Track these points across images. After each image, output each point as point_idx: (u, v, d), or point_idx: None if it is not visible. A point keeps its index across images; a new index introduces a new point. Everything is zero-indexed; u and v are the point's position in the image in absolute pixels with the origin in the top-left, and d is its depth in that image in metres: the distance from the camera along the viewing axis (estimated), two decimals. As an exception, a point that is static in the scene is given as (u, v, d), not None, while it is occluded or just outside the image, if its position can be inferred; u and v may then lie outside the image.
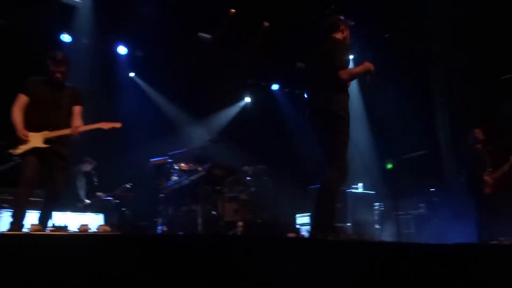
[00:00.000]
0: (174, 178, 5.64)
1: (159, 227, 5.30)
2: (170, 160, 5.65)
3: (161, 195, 5.51)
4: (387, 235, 6.75)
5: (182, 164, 5.57)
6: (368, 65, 3.16)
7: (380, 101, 8.03)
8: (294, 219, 7.50)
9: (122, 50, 7.62)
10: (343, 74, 3.05)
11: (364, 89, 8.95)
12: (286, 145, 8.78)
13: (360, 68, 3.17)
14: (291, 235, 5.49)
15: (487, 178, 5.24)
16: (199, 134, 7.35)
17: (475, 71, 7.02)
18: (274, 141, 8.69)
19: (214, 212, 5.49)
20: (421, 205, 6.99)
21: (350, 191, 7.38)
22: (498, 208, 5.30)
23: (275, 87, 9.32)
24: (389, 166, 7.01)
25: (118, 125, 3.73)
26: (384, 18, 7.24)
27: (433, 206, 6.80)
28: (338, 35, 3.34)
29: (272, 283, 1.99)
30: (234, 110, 9.18)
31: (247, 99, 9.28)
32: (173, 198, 5.56)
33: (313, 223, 3.06)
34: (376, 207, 7.43)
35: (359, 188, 7.48)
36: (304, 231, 6.97)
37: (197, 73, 8.00)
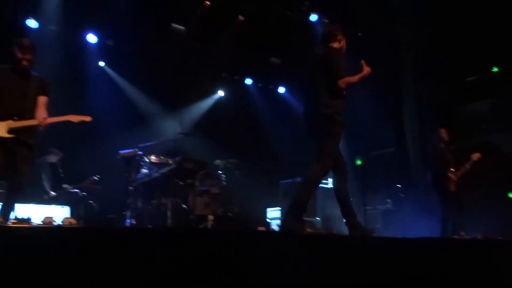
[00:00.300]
0: (144, 171, 5.54)
1: (128, 220, 5.21)
2: (140, 153, 5.55)
3: (130, 188, 5.41)
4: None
5: (153, 157, 5.48)
6: (365, 72, 3.38)
7: (351, 99, 8.16)
8: (264, 213, 7.55)
9: (91, 38, 7.39)
10: (341, 84, 3.26)
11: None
12: (258, 139, 8.81)
13: (356, 78, 3.35)
14: (261, 228, 5.52)
15: (451, 176, 5.44)
16: (170, 127, 7.25)
17: (442, 73, 7.26)
18: (246, 135, 8.69)
19: (184, 206, 5.45)
20: (388, 200, 7.19)
21: (320, 186, 7.49)
22: (460, 205, 5.51)
23: (248, 81, 9.30)
24: (359, 162, 7.16)
25: (88, 118, 3.64)
26: (357, 18, 7.36)
27: (400, 201, 7.00)
28: (335, 44, 3.49)
29: (242, 275, 2.00)
30: (207, 103, 9.10)
31: (221, 93, 9.21)
32: (143, 191, 5.47)
33: (287, 212, 3.20)
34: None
35: (329, 183, 7.60)
36: (275, 225, 7.03)
37: (170, 64, 7.88)
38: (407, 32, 7.54)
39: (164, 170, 5.00)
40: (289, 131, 8.97)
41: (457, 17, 6.78)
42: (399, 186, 7.26)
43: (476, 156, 5.57)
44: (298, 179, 7.12)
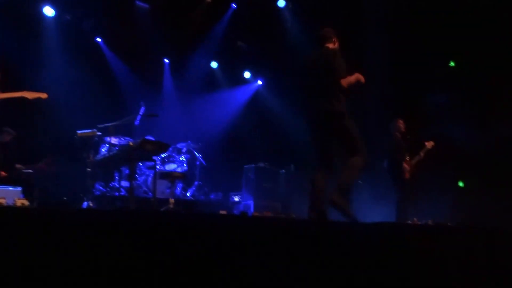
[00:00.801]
0: (103, 152, 5.38)
1: (85, 203, 5.06)
2: (99, 133, 5.37)
3: (88, 169, 5.24)
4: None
5: (113, 138, 5.32)
6: (359, 76, 3.56)
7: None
8: (228, 198, 7.57)
9: (49, 11, 6.99)
10: (344, 83, 3.47)
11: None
12: (223, 124, 8.75)
13: (354, 78, 3.54)
14: (223, 212, 5.53)
15: (405, 164, 5.65)
16: (132, 107, 7.05)
17: (404, 65, 7.47)
18: (211, 119, 8.61)
19: (145, 189, 5.35)
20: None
21: (283, 171, 7.59)
22: (414, 192, 5.75)
23: (214, 64, 9.17)
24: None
25: (44, 95, 3.46)
26: (323, 6, 7.39)
27: (357, 188, 7.21)
28: (330, 45, 3.70)
29: (202, 258, 2.00)
30: (171, 83, 8.89)
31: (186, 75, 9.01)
32: (101, 173, 5.32)
33: (337, 186, 3.43)
34: (306, 187, 7.71)
35: (292, 169, 7.71)
36: (236, 209, 7.06)
37: (133, 42, 7.62)
38: (371, 22, 7.67)
39: (124, 152, 4.87)
40: (253, 116, 8.98)
41: (416, 12, 6.99)
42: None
43: (429, 144, 5.82)
44: (261, 164, 7.18)
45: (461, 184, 7.49)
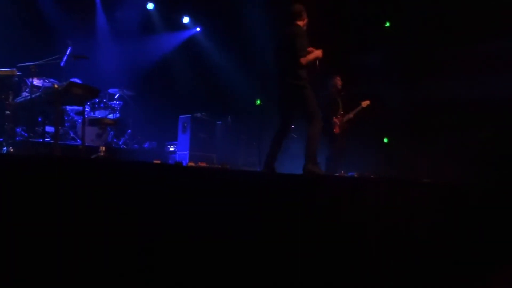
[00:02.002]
0: (25, 94, 4.94)
1: (4, 148, 4.68)
2: (19, 73, 4.88)
3: (7, 112, 4.79)
4: (250, 165, 7.22)
5: (35, 79, 4.87)
6: (318, 53, 4.03)
7: (259, 38, 8.12)
8: (163, 147, 7.44)
9: None
10: (303, 61, 3.92)
11: (244, 24, 8.93)
12: (157, 71, 8.38)
13: (313, 55, 4.00)
14: (156, 161, 5.44)
15: (335, 120, 5.90)
16: (58, 47, 6.45)
17: (338, 22, 7.58)
18: (146, 65, 8.19)
19: (72, 135, 5.06)
20: (282, 140, 7.59)
21: (220, 122, 7.57)
22: (342, 146, 6.06)
23: (150, 6, 8.57)
24: (258, 102, 7.33)
25: None
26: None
27: (292, 141, 7.44)
28: (301, 23, 4.09)
29: (133, 208, 1.96)
30: (104, 23, 8.21)
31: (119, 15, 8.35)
32: (23, 117, 4.90)
33: (307, 161, 3.90)
34: (242, 139, 7.81)
35: (229, 120, 7.71)
36: (171, 159, 6.99)
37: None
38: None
39: (48, 95, 4.50)
40: (192, 65, 8.70)
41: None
42: (293, 126, 7.68)
43: (365, 103, 6.10)
44: (198, 114, 7.07)
45: (385, 140, 8.02)
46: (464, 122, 6.86)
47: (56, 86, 4.52)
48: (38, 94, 4.61)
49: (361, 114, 6.16)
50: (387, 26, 8.00)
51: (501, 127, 6.50)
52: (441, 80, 7.40)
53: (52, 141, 4.63)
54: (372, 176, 5.80)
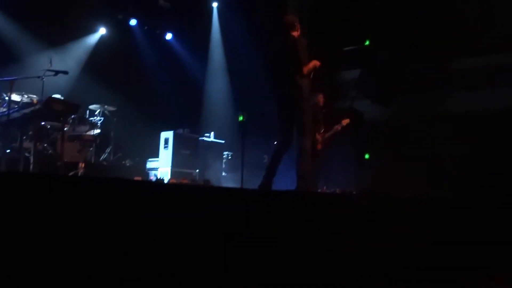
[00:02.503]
0: (2, 109, 4.83)
1: (-21, 165, 4.55)
2: (-4, 88, 4.80)
3: (-16, 128, 4.68)
4: (232, 181, 7.19)
5: (14, 94, 4.79)
6: (316, 62, 4.06)
7: (240, 55, 8.23)
8: (144, 164, 7.35)
9: None
10: (305, 71, 3.94)
11: (226, 40, 9.02)
12: (140, 86, 8.34)
13: (312, 65, 4.04)
14: (137, 178, 5.37)
15: (318, 136, 5.97)
16: (39, 62, 6.37)
17: (321, 40, 7.74)
18: (128, 81, 8.14)
19: (51, 151, 4.96)
20: (265, 156, 7.61)
21: (202, 139, 7.54)
22: (322, 163, 6.11)
23: (133, 22, 8.58)
24: (240, 118, 7.35)
25: None
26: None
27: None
28: (295, 33, 4.09)
29: (112, 227, 1.92)
30: (86, 41, 8.17)
31: (102, 31, 8.34)
32: (0, 132, 4.78)
33: (299, 178, 3.87)
34: (224, 156, 7.79)
35: (211, 136, 7.70)
36: (153, 175, 6.91)
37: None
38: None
39: (27, 110, 4.42)
40: (173, 80, 8.69)
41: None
42: (276, 143, 7.71)
43: (345, 121, 6.19)
44: (180, 131, 7.04)
45: (367, 156, 8.13)
46: (442, 137, 7.04)
47: (35, 101, 4.45)
48: (16, 109, 4.53)
49: (342, 131, 6.25)
50: (367, 45, 8.21)
51: (477, 141, 6.68)
52: (419, 96, 7.60)
53: (31, 157, 4.52)
54: (354, 192, 5.85)
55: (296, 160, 3.94)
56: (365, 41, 8.16)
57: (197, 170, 7.15)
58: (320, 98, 6.14)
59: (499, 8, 6.77)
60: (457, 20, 6.97)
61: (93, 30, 8.22)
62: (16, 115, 4.50)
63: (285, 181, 4.38)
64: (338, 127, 6.14)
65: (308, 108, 3.97)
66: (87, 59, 7.93)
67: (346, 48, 8.02)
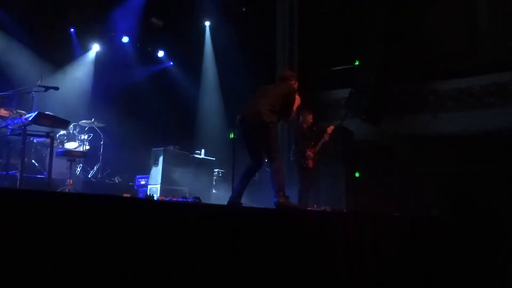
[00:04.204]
0: (-10, 125, 4.78)
1: (-36, 181, 4.47)
2: (-15, 103, 4.76)
3: (-30, 143, 4.62)
4: (222, 197, 7.15)
5: (2, 109, 4.75)
6: (298, 101, 4.31)
7: (232, 72, 8.30)
8: (133, 180, 7.28)
9: None
10: (292, 115, 4.34)
11: (218, 59, 9.12)
12: (131, 103, 8.33)
13: (295, 109, 4.35)
14: (126, 195, 5.31)
15: (309, 153, 5.99)
16: (29, 77, 6.34)
17: (311, 61, 7.88)
18: (118, 98, 8.14)
19: (39, 168, 4.90)
20: (256, 173, 7.59)
21: (193, 155, 7.52)
22: (314, 180, 6.13)
23: (125, 39, 8.63)
24: (231, 135, 7.36)
25: None
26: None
27: (263, 173, 7.46)
28: (295, 84, 4.45)
29: (100, 243, 1.90)
30: (82, 60, 8.19)
31: (96, 47, 8.37)
32: (-13, 148, 4.73)
33: (277, 196, 3.95)
34: (215, 173, 7.76)
35: (201, 153, 7.68)
36: (142, 193, 6.84)
37: (34, 10, 6.83)
38: (283, 20, 7.93)
39: (15, 126, 4.38)
40: (164, 97, 8.71)
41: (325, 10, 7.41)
42: (266, 160, 7.71)
43: (330, 128, 6.19)
44: (171, 148, 7.02)
45: (357, 174, 8.17)
46: (431, 156, 7.12)
47: (23, 116, 4.42)
48: (3, 124, 4.49)
49: (329, 142, 6.26)
50: (357, 65, 8.36)
51: (465, 160, 6.78)
52: (408, 116, 7.70)
53: (18, 174, 4.46)
54: (344, 210, 5.85)
55: (270, 178, 4.05)
56: (354, 61, 8.33)
57: (187, 188, 7.09)
58: (307, 116, 6.19)
59: (484, 30, 6.98)
60: (445, 42, 7.16)
61: (86, 47, 8.24)
62: (3, 130, 4.45)
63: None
64: (325, 136, 6.14)
65: (274, 133, 4.10)
66: (80, 76, 7.94)
67: (335, 68, 8.18)
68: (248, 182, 4.23)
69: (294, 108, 4.34)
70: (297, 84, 4.53)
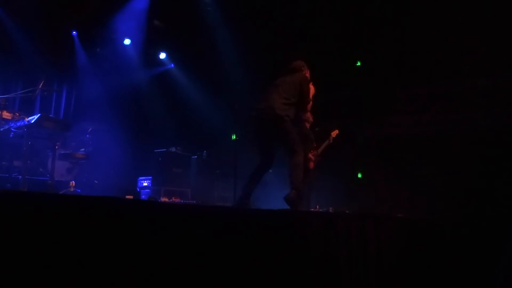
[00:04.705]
0: (-7, 127, 4.80)
1: (-32, 183, 4.49)
2: (-12, 106, 4.77)
3: (-27, 146, 4.64)
4: (224, 199, 7.14)
5: (5, 112, 4.76)
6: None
7: (234, 78, 8.30)
8: (136, 182, 7.29)
9: None
10: (308, 106, 4.31)
11: (220, 60, 9.13)
12: (133, 105, 8.35)
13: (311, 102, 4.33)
14: (129, 197, 5.32)
15: (310, 155, 5.98)
16: (32, 80, 6.36)
17: (311, 60, 7.87)
18: (122, 100, 8.15)
19: (41, 170, 4.91)
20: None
21: (195, 157, 7.53)
22: (316, 182, 6.11)
23: (127, 41, 8.64)
24: (233, 137, 7.36)
25: None
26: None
27: (267, 176, 7.45)
28: (307, 73, 4.37)
29: (104, 245, 1.90)
30: (80, 60, 8.19)
31: (98, 50, 8.37)
32: (-11, 151, 4.74)
33: (293, 188, 3.83)
34: (217, 174, 7.77)
35: (203, 155, 7.68)
36: (144, 194, 6.84)
37: (36, 13, 6.85)
38: (285, 20, 7.91)
39: (18, 128, 4.39)
40: (166, 99, 8.71)
41: (327, 15, 7.41)
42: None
43: (334, 132, 6.19)
44: (173, 149, 7.03)
45: (359, 175, 8.15)
46: (434, 156, 7.09)
47: (26, 119, 4.43)
48: (6, 127, 4.50)
49: (333, 144, 6.25)
50: (358, 66, 8.35)
51: (469, 161, 6.74)
52: (411, 116, 7.68)
53: (20, 176, 4.47)
54: (347, 211, 5.83)
55: (288, 173, 3.92)
56: (356, 62, 8.32)
57: (190, 189, 7.10)
58: (310, 117, 6.18)
59: (486, 31, 6.95)
60: (448, 42, 7.13)
61: (88, 49, 8.26)
62: (7, 133, 4.47)
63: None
64: (330, 139, 6.13)
65: (292, 127, 4.01)
66: (82, 78, 7.96)
67: (336, 68, 8.15)
68: (257, 184, 4.09)
69: (311, 96, 4.24)
70: (309, 73, 4.43)
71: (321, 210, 5.99)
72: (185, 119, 8.56)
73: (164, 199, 6.33)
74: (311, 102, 4.27)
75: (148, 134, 7.97)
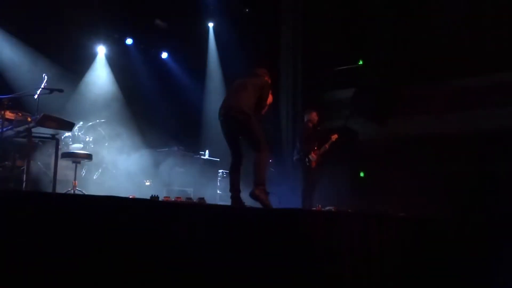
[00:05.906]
0: (-4, 127, 4.80)
1: (-29, 182, 4.50)
2: (-9, 106, 4.77)
3: (-24, 145, 4.65)
4: (227, 198, 7.14)
5: (7, 112, 4.77)
6: (270, 99, 4.38)
7: (236, 72, 8.31)
8: (138, 181, 7.28)
9: None
10: (265, 110, 4.36)
11: (222, 59, 9.15)
12: (135, 104, 8.36)
13: (268, 104, 4.39)
14: (131, 196, 5.32)
15: (313, 155, 5.98)
16: (34, 80, 6.37)
17: (315, 60, 7.86)
18: (123, 99, 8.17)
19: (44, 169, 4.92)
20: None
21: (197, 156, 7.53)
22: (316, 180, 6.12)
23: (129, 41, 8.65)
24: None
25: None
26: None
27: (270, 175, 7.45)
28: (268, 79, 4.50)
29: (106, 243, 1.91)
30: (83, 59, 8.21)
31: (101, 49, 8.39)
32: (-7, 150, 4.75)
33: (256, 186, 3.88)
34: (219, 174, 7.77)
35: (206, 154, 7.69)
36: (147, 193, 6.85)
37: (40, 8, 6.88)
38: (288, 20, 7.91)
39: (21, 128, 4.40)
40: (168, 98, 8.72)
41: (330, 16, 7.41)
42: (270, 161, 7.71)
43: (334, 136, 6.23)
44: (175, 148, 7.03)
45: (362, 174, 8.15)
46: (436, 156, 7.08)
47: (29, 119, 4.44)
48: (9, 127, 4.51)
49: (333, 147, 6.28)
50: (360, 65, 8.34)
51: (471, 160, 6.73)
52: (414, 115, 7.66)
53: (23, 176, 4.48)
54: (349, 210, 5.83)
55: (252, 170, 3.99)
56: (358, 61, 8.31)
57: (192, 188, 7.10)
58: (314, 116, 6.19)
59: (491, 29, 6.93)
60: (452, 41, 7.12)
61: (90, 49, 8.27)
62: (9, 133, 4.48)
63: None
64: (327, 145, 6.16)
65: (256, 124, 4.08)
66: (78, 76, 7.97)
67: (339, 68, 8.15)
68: (239, 176, 4.21)
69: (268, 102, 4.37)
70: (270, 81, 4.56)
71: (323, 209, 5.99)
72: (188, 118, 8.57)
73: (166, 199, 6.34)
74: (266, 108, 4.38)
75: (150, 133, 7.97)
